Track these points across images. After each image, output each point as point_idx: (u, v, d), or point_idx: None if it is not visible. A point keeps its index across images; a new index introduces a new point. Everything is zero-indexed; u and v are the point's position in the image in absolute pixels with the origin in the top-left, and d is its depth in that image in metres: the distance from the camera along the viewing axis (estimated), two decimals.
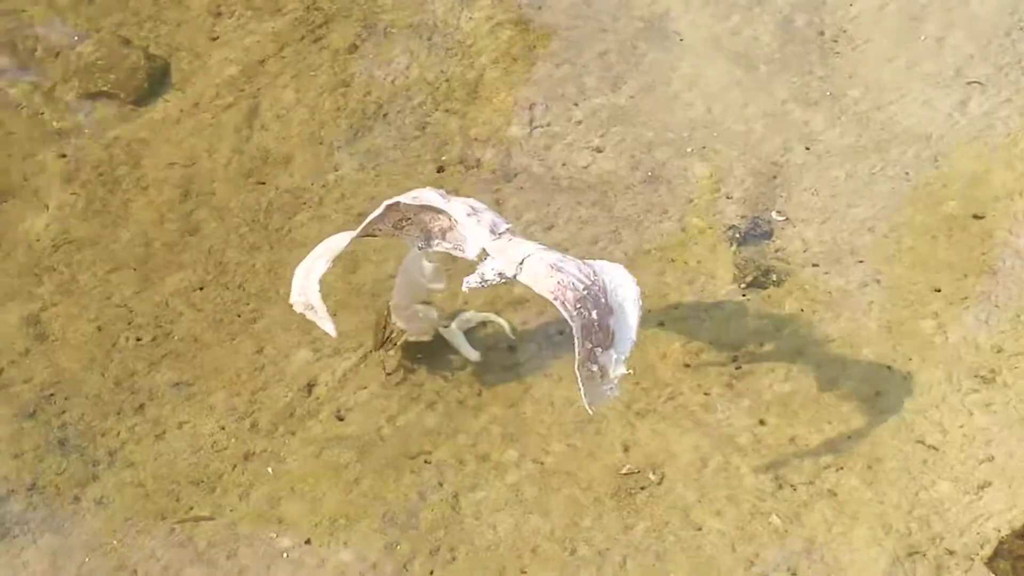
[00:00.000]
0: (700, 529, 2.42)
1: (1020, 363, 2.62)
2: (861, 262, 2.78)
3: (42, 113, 3.00)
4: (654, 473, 2.49)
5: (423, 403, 2.57)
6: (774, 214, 2.86)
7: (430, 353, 2.62)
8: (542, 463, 2.50)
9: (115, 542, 2.40)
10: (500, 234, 2.30)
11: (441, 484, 2.47)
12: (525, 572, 2.38)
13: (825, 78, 3.07)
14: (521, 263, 2.26)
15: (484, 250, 2.30)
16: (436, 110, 3.02)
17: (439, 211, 2.34)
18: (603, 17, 3.18)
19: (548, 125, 3.00)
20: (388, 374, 2.60)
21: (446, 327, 2.60)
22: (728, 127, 2.99)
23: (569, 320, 2.22)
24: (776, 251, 2.80)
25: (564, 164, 2.94)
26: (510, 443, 2.52)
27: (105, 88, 3.03)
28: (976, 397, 2.58)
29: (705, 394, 2.58)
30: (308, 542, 2.40)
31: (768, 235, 2.83)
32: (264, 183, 2.89)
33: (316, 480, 2.47)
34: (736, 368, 2.62)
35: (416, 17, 3.17)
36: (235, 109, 3.01)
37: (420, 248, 2.40)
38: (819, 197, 2.88)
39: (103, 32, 3.12)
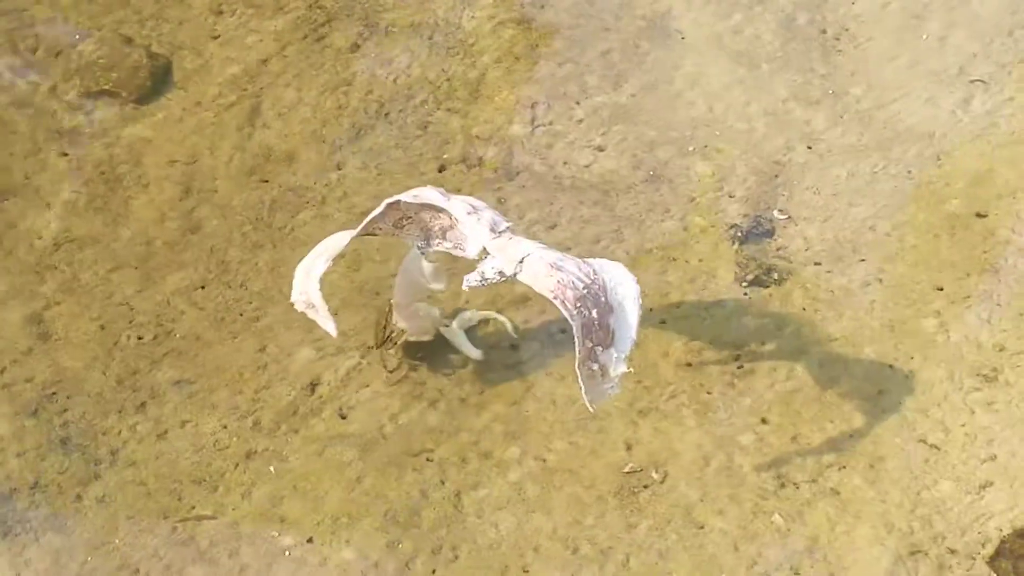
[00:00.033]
0: (703, 528, 2.42)
1: (1022, 362, 2.62)
2: (863, 261, 2.78)
3: (44, 112, 3.00)
4: (657, 471, 2.49)
5: (425, 401, 2.57)
6: (776, 213, 2.86)
7: (432, 352, 2.62)
8: (544, 461, 2.50)
9: (117, 541, 2.40)
10: (500, 232, 2.30)
11: (443, 482, 2.47)
12: (527, 571, 2.38)
13: (827, 76, 3.07)
14: (521, 262, 2.26)
15: (484, 249, 2.30)
16: (438, 109, 3.02)
17: (439, 209, 2.34)
18: (605, 16, 3.18)
19: (550, 124, 3.00)
20: (390, 372, 2.60)
21: (447, 326, 2.60)
22: (730, 126, 2.99)
23: (569, 319, 2.22)
24: (778, 250, 2.80)
25: (566, 163, 2.94)
26: (512, 441, 2.52)
27: (107, 87, 3.03)
28: (978, 396, 2.58)
29: (707, 393, 2.58)
30: (310, 541, 2.40)
31: (770, 234, 2.83)
32: (267, 181, 2.89)
33: (318, 478, 2.47)
34: (738, 367, 2.62)
35: (417, 16, 3.17)
36: (237, 108, 3.01)
37: (420, 248, 2.40)
38: (821, 196, 2.88)
39: (104, 31, 3.12)
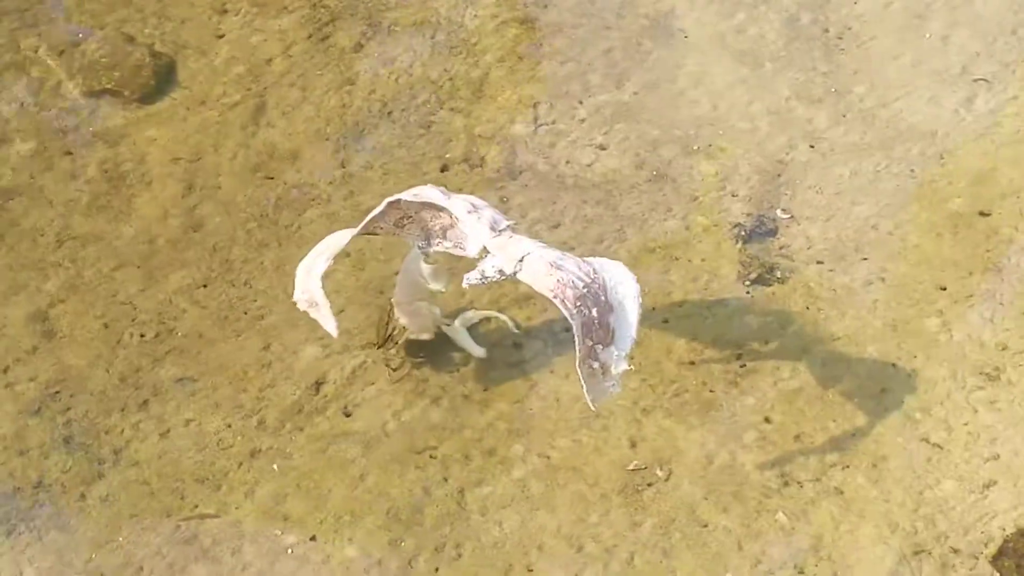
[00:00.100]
0: (707, 526, 2.42)
1: None
2: (866, 260, 2.78)
3: (47, 110, 3.00)
4: (661, 469, 2.49)
5: (428, 398, 2.57)
6: (779, 212, 2.86)
7: (435, 350, 2.62)
8: (548, 459, 2.50)
9: (121, 539, 2.40)
10: (501, 231, 2.30)
11: (446, 480, 2.47)
12: (532, 569, 2.38)
13: (829, 75, 3.07)
14: (521, 260, 2.27)
15: (485, 248, 2.30)
16: (441, 108, 3.02)
17: (440, 208, 2.34)
18: (607, 15, 3.18)
19: (553, 123, 3.00)
20: (393, 370, 2.60)
21: (449, 325, 2.61)
22: (733, 125, 2.99)
23: (569, 318, 2.22)
24: (781, 249, 2.80)
25: (568, 162, 2.94)
26: (516, 439, 2.52)
27: (110, 86, 3.03)
28: (981, 394, 2.58)
29: (710, 391, 2.59)
30: (313, 539, 2.40)
31: (773, 233, 2.83)
32: (272, 178, 2.90)
33: (321, 476, 2.47)
34: (741, 365, 2.62)
35: (420, 15, 3.17)
36: (242, 107, 3.02)
37: (421, 247, 2.41)
38: (823, 195, 2.89)
39: (107, 29, 3.12)
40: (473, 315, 2.64)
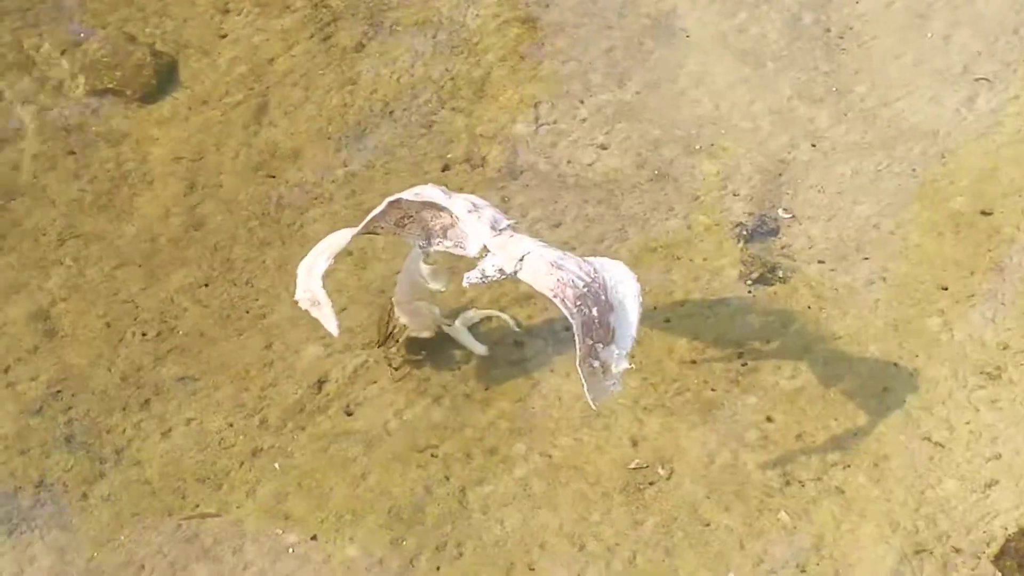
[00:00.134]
0: (709, 525, 2.42)
1: None
2: (867, 259, 2.78)
3: (50, 109, 3.01)
4: (663, 468, 2.49)
5: (430, 397, 2.57)
6: (780, 211, 2.86)
7: (437, 348, 2.62)
8: (550, 457, 2.50)
9: (122, 538, 2.39)
10: (501, 230, 2.31)
11: (448, 478, 2.47)
12: (533, 568, 2.37)
13: (831, 75, 3.07)
14: (521, 260, 2.27)
15: (485, 247, 2.30)
16: (442, 108, 3.02)
17: (440, 208, 2.34)
18: (609, 14, 3.18)
19: (554, 122, 3.00)
20: (395, 369, 2.60)
21: (450, 325, 2.61)
22: (735, 124, 2.99)
23: (569, 317, 2.22)
24: (782, 248, 2.80)
25: (570, 162, 2.94)
26: (518, 437, 2.52)
27: (112, 85, 3.03)
28: (982, 394, 2.58)
29: (712, 390, 2.58)
30: (314, 538, 2.40)
31: (774, 232, 2.83)
32: (274, 176, 2.90)
33: (323, 475, 2.47)
34: (742, 364, 2.62)
35: (422, 15, 3.17)
36: (244, 106, 3.02)
37: (421, 247, 2.41)
38: (825, 194, 2.89)
39: (109, 29, 3.12)
40: (474, 314, 2.64)
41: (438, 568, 2.37)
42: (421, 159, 2.94)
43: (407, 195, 2.36)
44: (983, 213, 2.84)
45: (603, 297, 2.25)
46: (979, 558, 2.37)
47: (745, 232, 2.82)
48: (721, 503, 2.44)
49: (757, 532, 2.41)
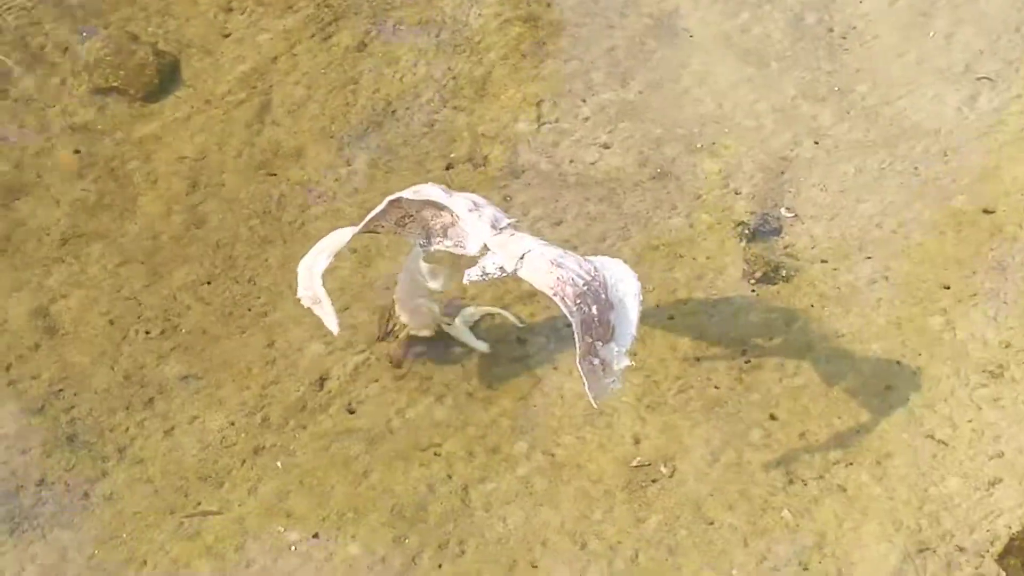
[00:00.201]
0: (712, 523, 2.41)
1: None
2: (869, 258, 2.78)
3: (53, 108, 3.01)
4: (665, 466, 2.48)
5: (432, 395, 2.57)
6: (783, 210, 2.86)
7: (438, 346, 2.62)
8: (552, 455, 2.50)
9: (124, 535, 2.39)
10: (502, 229, 2.31)
11: (450, 476, 2.47)
12: (536, 566, 2.37)
13: (834, 74, 3.08)
14: (522, 258, 2.27)
15: (485, 246, 2.31)
16: (444, 107, 3.02)
17: (441, 207, 2.34)
18: (611, 14, 3.19)
19: (556, 121, 3.00)
20: (397, 367, 2.60)
21: (450, 324, 2.61)
22: (738, 123, 3.00)
23: (568, 315, 2.22)
24: (785, 247, 2.80)
25: (572, 160, 2.94)
26: (520, 435, 2.52)
27: (115, 84, 3.03)
28: (985, 392, 2.57)
29: (715, 388, 2.58)
30: (316, 536, 2.39)
31: (777, 231, 2.83)
32: (275, 174, 2.90)
33: (325, 474, 2.47)
34: (745, 362, 2.62)
35: (425, 14, 3.18)
36: (247, 105, 3.02)
37: (421, 246, 2.41)
38: (828, 193, 2.89)
39: (111, 28, 3.13)
40: (474, 311, 2.64)
41: (440, 566, 2.37)
42: (423, 158, 2.94)
43: (407, 194, 2.36)
44: (985, 212, 2.84)
45: (603, 295, 2.25)
46: (983, 556, 2.37)
47: (748, 231, 2.82)
48: (724, 501, 2.44)
49: (760, 530, 2.40)
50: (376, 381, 2.59)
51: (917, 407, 2.56)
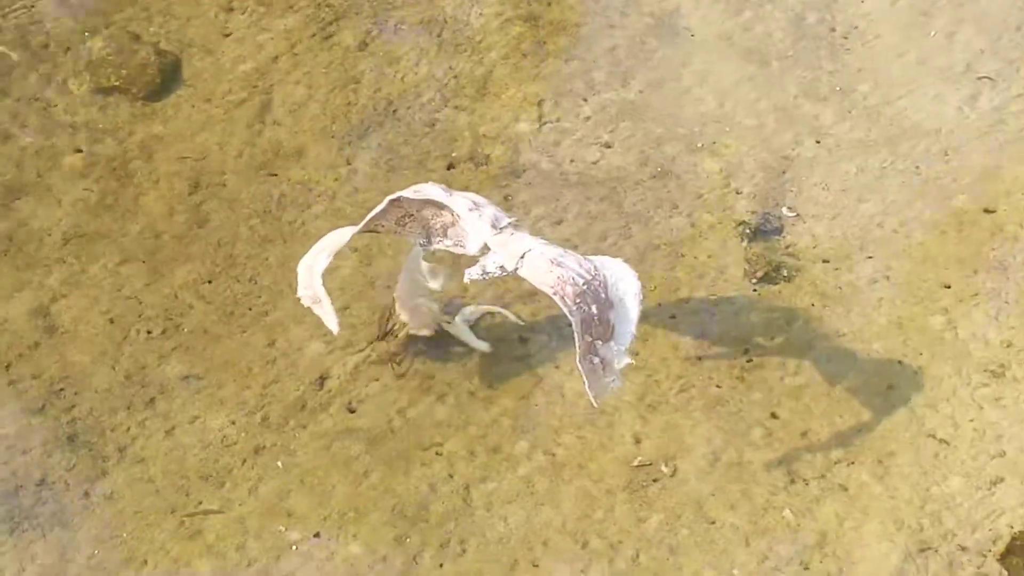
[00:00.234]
0: (714, 523, 2.41)
1: None
2: (871, 258, 2.78)
3: (55, 107, 3.01)
4: (666, 466, 2.48)
5: (434, 395, 2.57)
6: (784, 210, 2.86)
7: (440, 346, 2.62)
8: (553, 455, 2.49)
9: (124, 535, 2.39)
10: (502, 228, 2.31)
11: (452, 476, 2.47)
12: (537, 565, 2.37)
13: (835, 73, 3.08)
14: (522, 257, 2.27)
15: (486, 245, 2.31)
16: (445, 106, 3.02)
17: (441, 206, 2.35)
18: (612, 13, 3.19)
19: (557, 121, 3.00)
20: (397, 365, 2.60)
21: (449, 323, 2.60)
22: (739, 122, 2.99)
23: (568, 314, 2.23)
24: (787, 247, 2.80)
25: (573, 160, 2.94)
26: (521, 435, 2.52)
27: (117, 83, 3.03)
28: (986, 392, 2.57)
29: (717, 387, 2.58)
30: (317, 535, 2.39)
31: (779, 231, 2.83)
32: (276, 175, 2.90)
33: (325, 473, 2.47)
34: (747, 361, 2.62)
35: (426, 13, 3.18)
36: (248, 105, 3.02)
37: (421, 245, 2.41)
38: (829, 192, 2.88)
39: (113, 27, 3.13)
40: (474, 310, 2.64)
41: (441, 565, 2.37)
42: (424, 157, 2.94)
43: (408, 193, 2.36)
44: (986, 211, 2.84)
45: (603, 294, 2.26)
46: (985, 556, 2.37)
47: (749, 230, 2.82)
48: (726, 501, 2.43)
49: (762, 530, 2.40)
50: (377, 380, 2.59)
51: (919, 406, 2.55)
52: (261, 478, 2.46)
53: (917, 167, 2.92)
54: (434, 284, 2.52)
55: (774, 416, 2.55)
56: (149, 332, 2.66)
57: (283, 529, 2.40)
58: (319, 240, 2.45)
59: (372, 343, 2.62)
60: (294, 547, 2.38)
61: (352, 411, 2.56)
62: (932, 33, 3.15)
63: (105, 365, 2.61)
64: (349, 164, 2.93)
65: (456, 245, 2.37)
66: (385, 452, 2.50)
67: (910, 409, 2.55)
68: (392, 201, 2.36)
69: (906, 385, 2.59)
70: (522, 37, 3.13)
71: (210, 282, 2.74)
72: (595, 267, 2.29)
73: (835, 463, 2.48)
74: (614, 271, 2.30)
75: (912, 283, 2.74)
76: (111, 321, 2.68)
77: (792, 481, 2.47)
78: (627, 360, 2.26)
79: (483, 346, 2.60)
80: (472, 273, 2.31)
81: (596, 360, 2.25)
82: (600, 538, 2.40)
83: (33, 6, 3.17)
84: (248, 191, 2.88)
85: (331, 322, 2.40)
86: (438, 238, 2.39)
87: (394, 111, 3.02)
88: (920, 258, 2.78)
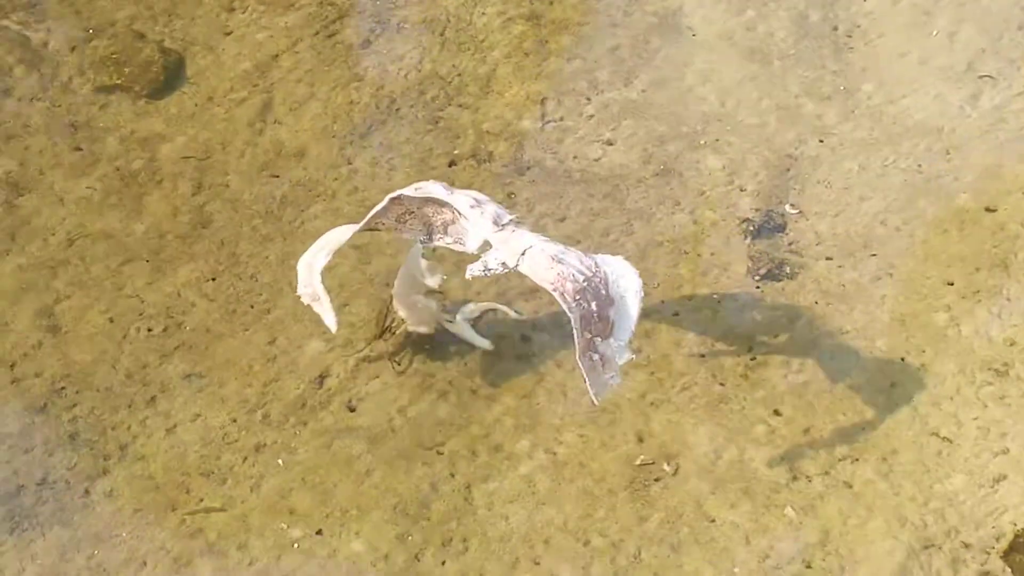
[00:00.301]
0: (714, 521, 2.41)
1: None
2: (874, 255, 2.77)
3: (58, 106, 3.01)
4: (668, 464, 2.48)
5: (435, 393, 2.57)
6: (787, 207, 2.86)
7: (441, 344, 2.61)
8: (555, 454, 2.49)
9: (124, 534, 2.39)
10: (503, 226, 2.31)
11: (453, 475, 2.46)
12: (538, 563, 2.36)
13: (838, 72, 3.08)
14: (523, 254, 2.27)
15: (487, 242, 2.30)
16: (448, 104, 3.03)
17: (442, 204, 2.35)
18: (614, 12, 3.19)
19: (560, 119, 3.00)
20: (397, 363, 2.60)
21: (450, 321, 2.60)
22: (742, 120, 2.99)
23: (567, 311, 2.23)
24: (790, 244, 2.80)
25: (576, 157, 2.94)
26: (523, 434, 2.51)
27: (120, 82, 3.04)
28: (990, 390, 2.57)
29: (720, 384, 2.58)
30: (319, 533, 2.39)
31: (782, 228, 2.82)
32: (278, 175, 2.90)
33: (327, 471, 2.46)
34: (751, 358, 2.61)
35: (429, 12, 3.18)
36: (249, 103, 3.02)
37: (422, 242, 2.41)
38: (832, 190, 2.88)
39: (117, 26, 3.13)
40: (474, 308, 2.64)
41: (443, 563, 2.36)
42: (427, 155, 2.94)
43: (409, 191, 2.36)
44: (988, 210, 2.84)
45: (603, 291, 2.25)
46: (988, 553, 2.36)
47: (752, 228, 2.81)
48: (727, 499, 2.43)
49: (763, 528, 2.40)
50: (377, 378, 2.59)
51: (922, 404, 2.55)
52: (263, 476, 2.46)
53: (919, 165, 2.92)
54: (431, 281, 2.52)
55: (777, 413, 2.54)
56: (150, 330, 2.66)
57: (285, 527, 2.40)
58: (319, 238, 2.45)
59: (371, 341, 2.62)
60: (296, 545, 2.38)
61: (352, 410, 2.55)
62: (934, 32, 3.15)
63: (106, 364, 2.61)
64: (350, 163, 2.93)
65: (457, 242, 2.37)
66: (386, 451, 2.50)
67: (913, 407, 2.55)
68: (393, 199, 2.36)
69: (909, 382, 2.58)
70: (524, 36, 3.13)
71: (213, 279, 2.74)
72: (596, 264, 2.29)
73: (838, 460, 2.48)
74: (615, 268, 2.30)
75: (915, 280, 2.73)
76: (111, 320, 2.67)
77: (794, 478, 2.46)
78: (627, 356, 2.26)
79: (485, 344, 2.60)
80: (474, 269, 2.31)
81: (596, 357, 2.25)
82: (601, 536, 2.39)
83: (36, 4, 3.18)
84: (251, 192, 2.88)
85: (329, 320, 2.40)
86: (439, 235, 2.39)
87: (397, 109, 3.02)
88: (923, 256, 2.77)
